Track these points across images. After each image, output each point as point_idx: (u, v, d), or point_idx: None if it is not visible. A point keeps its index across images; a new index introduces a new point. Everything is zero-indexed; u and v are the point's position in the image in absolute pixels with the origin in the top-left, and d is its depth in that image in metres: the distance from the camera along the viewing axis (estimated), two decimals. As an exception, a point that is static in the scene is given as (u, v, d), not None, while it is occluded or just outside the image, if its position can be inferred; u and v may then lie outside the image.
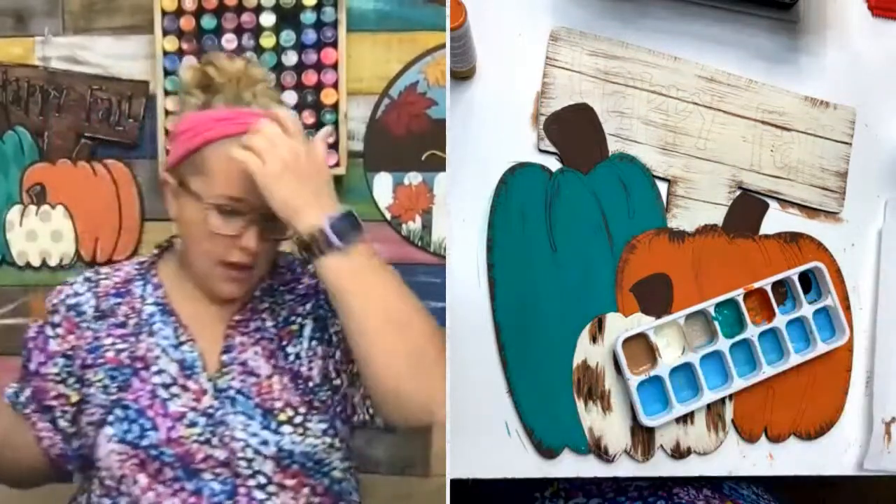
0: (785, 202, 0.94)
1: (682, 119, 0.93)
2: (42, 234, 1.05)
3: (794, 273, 0.92)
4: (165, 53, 1.02)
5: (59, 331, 0.81)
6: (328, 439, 0.78)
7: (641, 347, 0.89)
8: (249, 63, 0.82)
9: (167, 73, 1.02)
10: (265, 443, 0.76)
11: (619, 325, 0.90)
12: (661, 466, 0.90)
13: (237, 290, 0.80)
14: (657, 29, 0.93)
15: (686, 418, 0.90)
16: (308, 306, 0.83)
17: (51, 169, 1.05)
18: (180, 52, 1.02)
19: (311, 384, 0.80)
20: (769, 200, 0.94)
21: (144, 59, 1.04)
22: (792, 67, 0.88)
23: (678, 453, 0.90)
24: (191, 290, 0.82)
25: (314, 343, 0.81)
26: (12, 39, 1.04)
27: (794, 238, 0.94)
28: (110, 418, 0.77)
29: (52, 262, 1.05)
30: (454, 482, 0.85)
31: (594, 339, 0.90)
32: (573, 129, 0.92)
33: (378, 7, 1.03)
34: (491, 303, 0.90)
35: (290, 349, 0.81)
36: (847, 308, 0.93)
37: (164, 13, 1.02)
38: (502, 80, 0.93)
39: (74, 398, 0.79)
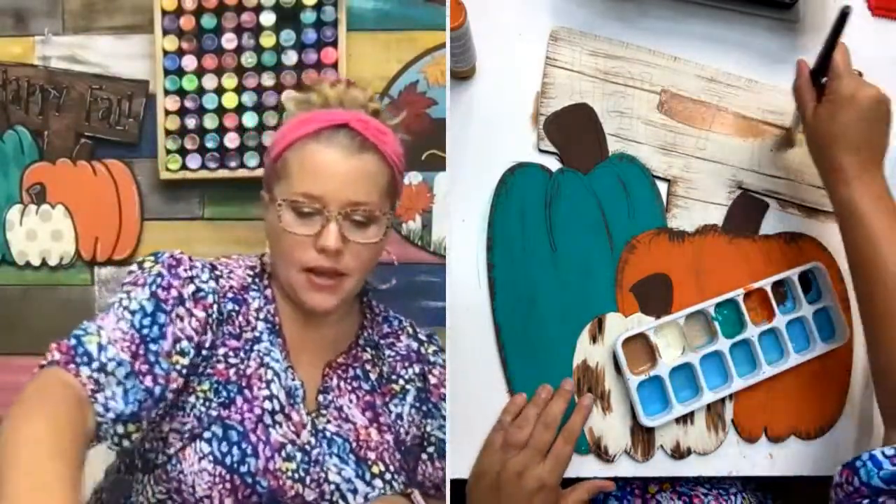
0: (785, 202, 0.94)
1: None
2: (42, 234, 1.05)
3: (794, 273, 0.91)
4: (165, 53, 1.02)
5: (181, 310, 0.72)
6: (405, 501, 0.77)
7: (641, 347, 0.89)
8: (351, 86, 0.80)
9: (167, 72, 1.02)
10: (355, 491, 0.74)
11: (619, 325, 0.90)
12: (660, 466, 0.90)
13: (327, 302, 0.75)
14: (657, 29, 0.93)
15: (686, 418, 0.90)
16: (410, 372, 0.83)
17: (51, 168, 1.05)
18: (180, 52, 1.02)
19: (402, 447, 0.79)
20: (769, 200, 0.94)
21: (144, 59, 1.04)
22: (792, 67, 0.87)
23: (678, 453, 0.90)
24: (293, 310, 0.78)
25: (413, 411, 0.81)
26: (12, 39, 1.05)
27: (794, 238, 0.94)
28: (206, 434, 0.72)
29: (52, 262, 1.05)
30: (454, 482, 0.85)
31: (594, 339, 0.90)
32: (573, 129, 0.92)
33: (378, 7, 1.03)
34: (491, 303, 0.90)
35: (392, 408, 0.80)
36: (847, 308, 0.93)
37: (164, 12, 1.02)
38: (502, 80, 0.93)
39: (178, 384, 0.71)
